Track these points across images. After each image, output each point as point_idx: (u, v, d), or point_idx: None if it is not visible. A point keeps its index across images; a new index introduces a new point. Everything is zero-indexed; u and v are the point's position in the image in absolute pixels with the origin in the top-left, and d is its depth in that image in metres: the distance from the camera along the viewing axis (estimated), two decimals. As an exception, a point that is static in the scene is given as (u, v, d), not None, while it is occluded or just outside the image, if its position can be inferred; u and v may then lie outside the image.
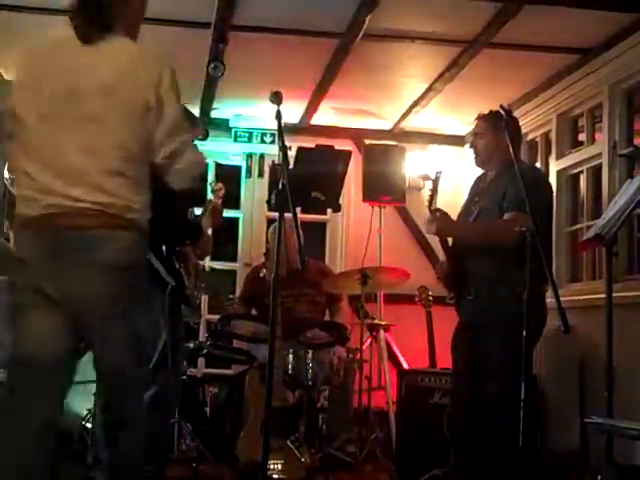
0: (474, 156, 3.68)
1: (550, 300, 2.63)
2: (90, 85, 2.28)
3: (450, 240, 3.62)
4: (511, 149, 3.09)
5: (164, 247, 3.42)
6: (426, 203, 3.48)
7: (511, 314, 3.01)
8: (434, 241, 5.94)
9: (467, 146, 3.67)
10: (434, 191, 3.47)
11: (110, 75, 2.30)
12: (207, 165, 4.83)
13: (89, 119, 2.28)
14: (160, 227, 3.47)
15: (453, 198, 4.71)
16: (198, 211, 3.86)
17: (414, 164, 6.12)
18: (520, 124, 5.39)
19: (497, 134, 3.47)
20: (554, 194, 3.69)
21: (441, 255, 3.67)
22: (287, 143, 2.64)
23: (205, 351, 4.73)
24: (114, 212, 2.27)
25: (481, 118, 3.65)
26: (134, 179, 2.32)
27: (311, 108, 5.70)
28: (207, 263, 5.80)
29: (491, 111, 3.53)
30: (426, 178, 3.71)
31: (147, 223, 2.40)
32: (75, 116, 2.28)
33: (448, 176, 3.93)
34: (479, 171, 3.81)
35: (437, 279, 3.76)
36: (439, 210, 3.46)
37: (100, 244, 2.26)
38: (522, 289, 2.87)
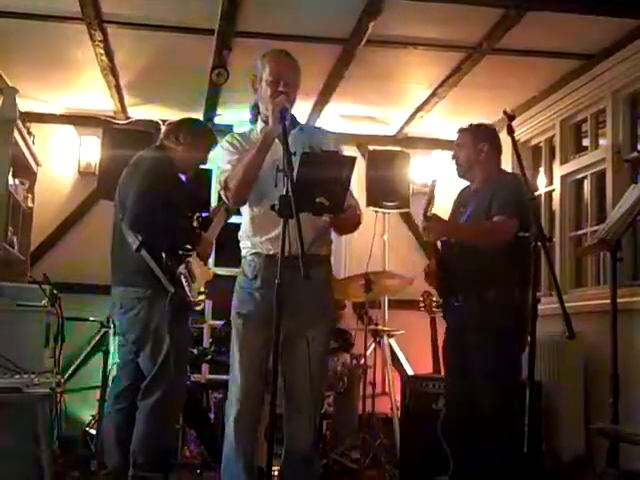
0: (456, 167, 3.71)
1: (554, 306, 2.62)
2: None
3: (439, 245, 3.64)
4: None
5: (164, 254, 3.43)
6: (421, 210, 3.48)
7: (497, 320, 3.02)
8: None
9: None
10: (430, 198, 3.47)
11: None
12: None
13: None
14: (161, 233, 3.51)
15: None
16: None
17: (418, 170, 6.13)
18: (523, 130, 5.50)
19: (476, 145, 3.59)
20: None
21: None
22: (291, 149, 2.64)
23: (209, 357, 4.73)
24: None
25: (461, 130, 3.71)
26: None
27: (315, 114, 5.70)
28: (211, 269, 5.79)
29: (471, 124, 3.66)
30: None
31: None
32: None
33: (450, 182, 3.92)
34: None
35: (424, 277, 3.73)
36: (432, 215, 3.46)
37: None
38: (509, 294, 2.89)
